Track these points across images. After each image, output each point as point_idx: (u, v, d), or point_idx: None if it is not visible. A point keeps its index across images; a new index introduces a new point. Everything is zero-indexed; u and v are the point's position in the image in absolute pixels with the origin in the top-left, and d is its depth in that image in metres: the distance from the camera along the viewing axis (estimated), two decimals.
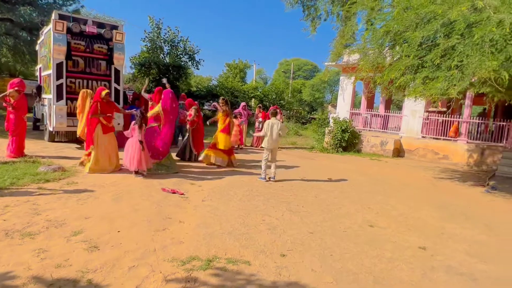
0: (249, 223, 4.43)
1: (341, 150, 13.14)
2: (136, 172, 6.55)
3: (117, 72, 9.93)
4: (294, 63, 52.14)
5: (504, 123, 11.17)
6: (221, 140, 8.15)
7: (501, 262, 3.85)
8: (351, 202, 5.93)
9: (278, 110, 13.20)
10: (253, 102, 26.43)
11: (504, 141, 11.08)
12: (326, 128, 14.24)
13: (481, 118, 13.28)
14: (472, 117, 12.73)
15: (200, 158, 8.44)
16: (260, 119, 12.73)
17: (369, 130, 14.28)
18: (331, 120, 14.13)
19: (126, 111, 8.24)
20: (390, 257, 3.69)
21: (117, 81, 9.94)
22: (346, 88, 14.75)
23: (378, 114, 14.68)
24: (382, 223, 4.89)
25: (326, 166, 9.79)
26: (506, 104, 11.53)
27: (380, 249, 3.90)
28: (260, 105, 16.60)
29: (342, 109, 14.97)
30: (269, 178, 7.15)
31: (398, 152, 12.92)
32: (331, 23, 11.42)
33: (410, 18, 6.26)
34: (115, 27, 9.98)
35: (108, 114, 6.81)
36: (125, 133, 6.78)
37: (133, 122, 6.71)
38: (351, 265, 3.43)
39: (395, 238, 4.30)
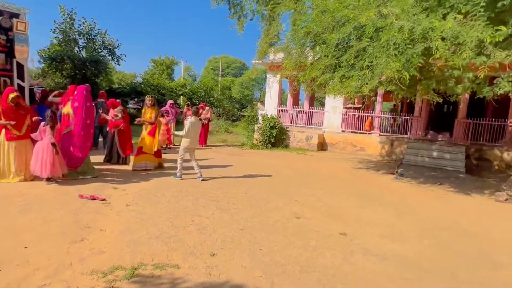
0: (178, 225, 4.30)
1: (270, 146, 13.57)
2: (49, 179, 5.87)
3: (20, 66, 8.74)
4: (222, 60, 52.14)
5: (408, 117, 12.72)
6: (149, 143, 7.74)
7: (406, 241, 4.38)
8: (279, 196, 6.16)
9: (207, 108, 13.10)
10: (181, 100, 25.74)
11: (408, 133, 12.63)
12: (255, 125, 14.55)
13: (392, 113, 14.93)
14: (383, 112, 14.23)
15: (131, 168, 7.78)
16: (190, 117, 12.43)
17: (295, 126, 14.99)
18: (260, 117, 14.48)
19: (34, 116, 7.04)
20: (315, 246, 3.93)
21: (21, 77, 8.76)
22: (273, 85, 15.24)
23: (303, 111, 15.50)
24: (308, 214, 5.18)
25: (255, 163, 10.00)
26: (408, 101, 13.13)
27: (306, 239, 4.13)
28: (189, 102, 16.23)
29: (270, 106, 15.45)
30: (200, 178, 7.05)
31: (322, 146, 13.82)
32: (257, 22, 11.68)
33: (327, 21, 6.71)
34: (15, 15, 8.76)
35: (12, 122, 5.90)
36: (33, 135, 6.01)
37: (43, 123, 5.98)
38: (279, 257, 3.57)
39: (319, 227, 4.60)
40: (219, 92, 35.52)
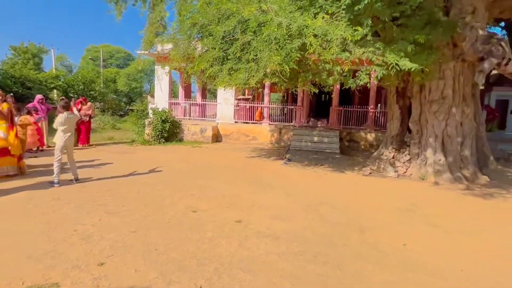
0: (56, 238, 3.79)
1: (164, 141, 13.08)
2: None
3: None
4: (104, 49, 47.27)
5: (293, 107, 13.95)
6: (16, 143, 6.54)
7: (294, 219, 4.84)
8: (174, 191, 6.02)
9: (89, 104, 11.71)
10: (55, 94, 22.45)
11: (293, 121, 13.86)
12: (146, 120, 13.78)
13: (281, 104, 16.11)
14: (272, 103, 15.24)
15: None
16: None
17: (189, 118, 14.79)
18: (151, 111, 13.77)
19: None
20: (211, 237, 4.00)
21: None
22: (163, 78, 14.65)
23: (196, 103, 15.39)
24: (204, 206, 5.21)
25: (148, 159, 9.51)
26: (291, 92, 14.40)
27: (202, 231, 4.15)
28: (64, 97, 14.24)
29: (160, 99, 14.82)
30: (73, 180, 6.32)
31: (216, 137, 14.01)
32: (139, 9, 10.94)
33: (212, 13, 6.76)
34: None
35: None
36: None
37: None
38: (176, 254, 3.51)
39: (215, 218, 4.68)
40: (102, 85, 32.26)
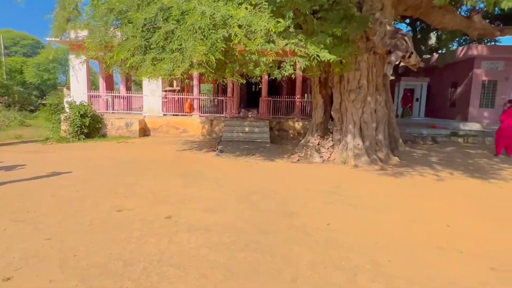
0: None
1: (84, 137, 12.02)
2: None
3: None
4: (5, 35, 41.24)
5: (223, 98, 13.91)
6: None
7: (226, 209, 4.87)
8: (96, 191, 5.59)
9: None
10: None
11: (224, 113, 13.85)
12: (61, 115, 12.48)
13: (214, 95, 15.91)
14: (202, 94, 14.97)
15: None
16: None
17: (112, 112, 13.80)
18: (67, 105, 12.51)
19: None
20: (139, 236, 3.82)
21: None
22: (79, 68, 13.35)
23: (120, 95, 14.40)
24: (130, 205, 4.94)
25: (65, 158, 8.66)
26: (219, 83, 14.32)
27: (128, 231, 3.94)
28: None
29: (77, 92, 13.54)
30: None
31: (144, 131, 13.34)
32: None
33: None
34: None
35: None
36: None
37: None
38: (99, 257, 3.27)
39: (143, 216, 4.48)
40: (5, 76, 28.33)
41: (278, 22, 5.64)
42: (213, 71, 6.73)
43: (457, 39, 19.44)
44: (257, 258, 3.38)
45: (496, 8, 17.45)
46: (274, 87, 17.52)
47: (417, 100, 21.40)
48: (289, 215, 4.73)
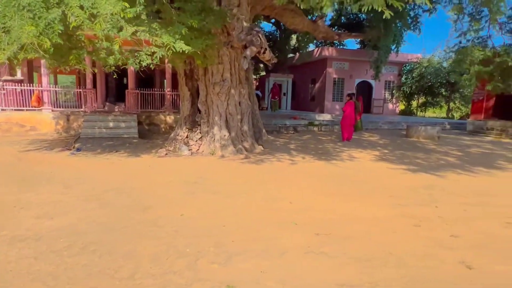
0: None
1: None
2: None
3: None
4: None
5: (81, 90, 12.42)
6: None
7: (68, 213, 4.34)
8: None
9: None
10: None
11: (84, 107, 12.39)
12: None
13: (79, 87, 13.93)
14: (56, 86, 13.00)
15: None
16: None
17: None
18: None
19: None
20: None
21: None
22: None
23: None
24: None
25: None
26: (79, 73, 12.77)
27: None
28: None
29: None
30: None
31: None
32: None
33: None
34: None
35: None
36: None
37: None
38: None
39: None
40: None
41: (127, 8, 5.28)
42: (51, 57, 5.87)
43: (315, 41, 22.29)
44: (93, 260, 3.11)
45: (343, 17, 20.49)
46: (147, 79, 16.65)
47: (284, 94, 23.63)
48: (144, 210, 4.54)
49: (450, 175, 7.09)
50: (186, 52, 6.32)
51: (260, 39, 7.85)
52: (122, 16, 5.36)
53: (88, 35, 6.23)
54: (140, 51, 6.80)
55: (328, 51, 20.75)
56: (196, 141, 9.29)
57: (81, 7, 5.22)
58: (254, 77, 31.63)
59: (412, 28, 13.26)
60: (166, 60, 9.93)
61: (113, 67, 7.38)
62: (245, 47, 7.67)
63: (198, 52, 7.53)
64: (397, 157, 9.09)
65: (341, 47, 23.24)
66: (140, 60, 6.40)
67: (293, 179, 6.57)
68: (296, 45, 22.33)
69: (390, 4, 5.39)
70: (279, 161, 8.33)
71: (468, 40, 12.13)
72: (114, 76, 8.80)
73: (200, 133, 9.40)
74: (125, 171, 6.93)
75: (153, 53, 6.43)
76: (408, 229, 4.07)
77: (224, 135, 9.03)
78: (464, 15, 9.43)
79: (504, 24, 11.84)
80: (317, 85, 22.65)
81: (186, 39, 6.75)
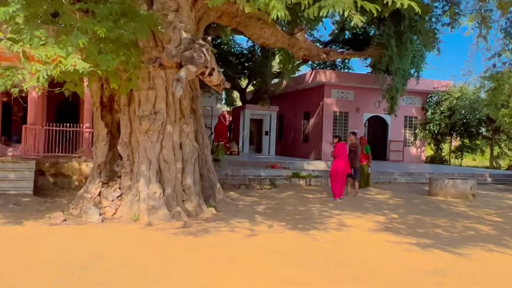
0: None
1: None
2: None
3: None
4: None
5: None
6: None
7: None
8: None
9: None
10: None
11: None
12: None
13: None
14: None
15: None
16: None
17: None
18: None
19: None
20: None
21: None
22: None
23: None
24: None
25: None
26: None
27: None
28: None
29: None
30: None
31: None
32: None
33: None
34: None
35: None
36: None
37: None
38: None
39: None
40: None
41: None
42: None
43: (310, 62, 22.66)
44: None
45: (346, 32, 21.18)
46: (68, 111, 16.48)
47: (266, 134, 23.58)
48: None
49: (477, 253, 6.80)
50: (83, 72, 6.11)
51: (205, 55, 7.74)
52: None
53: None
54: (23, 68, 6.56)
55: (325, 76, 21.06)
56: (113, 200, 8.81)
57: None
58: (227, 109, 31.99)
59: (429, 47, 13.65)
60: (86, 84, 9.73)
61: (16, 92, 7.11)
62: (181, 66, 7.53)
63: (118, 71, 7.39)
64: (408, 225, 8.82)
65: (345, 70, 23.63)
66: (13, 82, 6.13)
67: (242, 258, 6.18)
68: (280, 68, 22.73)
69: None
70: (232, 231, 7.91)
71: (504, 63, 12.44)
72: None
73: (119, 189, 8.96)
74: None
75: (37, 71, 6.20)
76: None
77: (154, 193, 8.59)
78: (490, 29, 9.67)
79: None
80: (311, 120, 22.73)
81: (92, 53, 6.60)
